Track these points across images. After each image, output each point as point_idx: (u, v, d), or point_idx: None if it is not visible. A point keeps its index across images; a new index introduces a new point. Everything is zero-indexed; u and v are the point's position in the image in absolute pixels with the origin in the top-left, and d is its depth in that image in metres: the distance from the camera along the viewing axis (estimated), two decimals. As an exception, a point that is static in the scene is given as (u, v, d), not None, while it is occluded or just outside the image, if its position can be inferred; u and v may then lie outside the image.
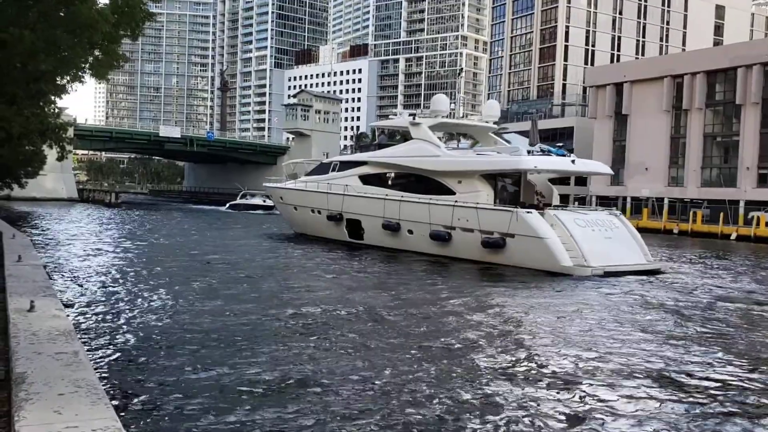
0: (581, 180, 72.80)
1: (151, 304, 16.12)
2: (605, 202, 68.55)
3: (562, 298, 19.86)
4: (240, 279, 21.17)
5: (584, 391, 10.09)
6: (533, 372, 11.19)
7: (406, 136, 34.52)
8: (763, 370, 11.82)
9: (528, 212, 26.67)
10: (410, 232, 31.38)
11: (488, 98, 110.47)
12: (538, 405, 9.36)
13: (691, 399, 9.98)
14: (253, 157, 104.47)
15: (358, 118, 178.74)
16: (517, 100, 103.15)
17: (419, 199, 30.90)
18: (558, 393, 9.97)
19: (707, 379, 11.07)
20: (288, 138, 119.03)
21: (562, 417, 8.91)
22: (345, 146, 49.43)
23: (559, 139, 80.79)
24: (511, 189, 30.97)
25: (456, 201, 29.31)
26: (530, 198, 30.40)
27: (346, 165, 36.15)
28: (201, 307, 15.77)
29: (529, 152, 29.67)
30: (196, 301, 16.62)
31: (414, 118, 33.55)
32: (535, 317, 16.37)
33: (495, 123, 36.90)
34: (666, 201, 65.52)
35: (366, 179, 34.48)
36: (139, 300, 16.61)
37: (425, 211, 30.41)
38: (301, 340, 12.98)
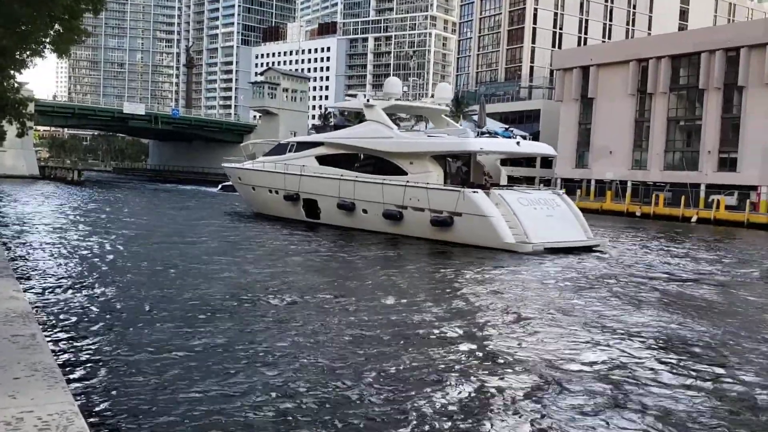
0: (547, 162, 73.42)
1: (113, 284, 15.95)
2: (570, 184, 69.38)
3: (501, 272, 21.29)
4: (195, 259, 21.11)
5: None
6: (467, 340, 11.79)
7: (360, 118, 35.11)
8: (629, 341, 12.58)
9: (474, 192, 27.86)
10: (364, 211, 32.35)
11: (457, 80, 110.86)
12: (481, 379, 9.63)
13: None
14: (219, 135, 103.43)
15: (327, 97, 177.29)
16: (485, 82, 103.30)
17: (373, 180, 31.85)
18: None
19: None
20: (255, 116, 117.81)
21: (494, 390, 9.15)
22: (313, 125, 49.47)
23: (526, 122, 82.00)
24: (462, 170, 32.08)
25: (407, 181, 30.31)
26: (479, 179, 31.31)
27: (302, 146, 36.79)
28: (157, 287, 15.78)
29: (479, 134, 30.95)
30: (153, 281, 16.62)
31: (368, 101, 34.36)
32: (470, 290, 17.44)
33: (447, 105, 38.04)
34: (629, 184, 66.17)
35: (322, 160, 35.14)
36: (101, 280, 16.40)
37: (378, 191, 31.39)
38: (250, 313, 13.37)
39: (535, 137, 71.16)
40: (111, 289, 15.39)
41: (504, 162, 63.04)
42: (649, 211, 57.21)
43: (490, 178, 31.27)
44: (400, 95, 35.65)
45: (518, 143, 30.74)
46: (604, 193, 65.75)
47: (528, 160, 70.51)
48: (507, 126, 36.01)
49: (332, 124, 39.19)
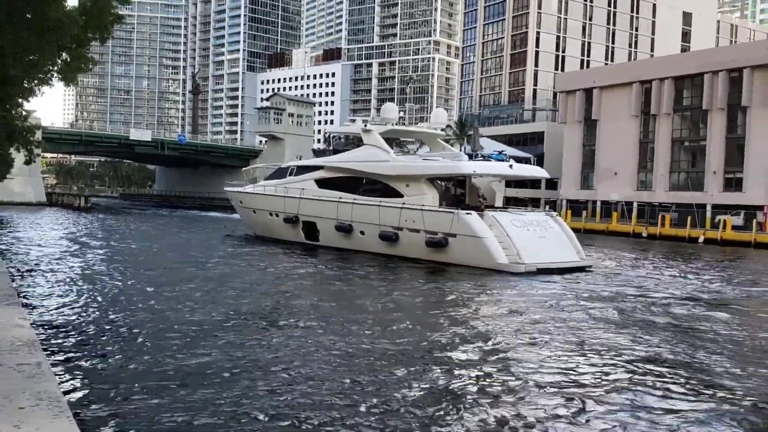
0: (553, 184, 73.64)
1: (121, 312, 15.82)
2: (575, 205, 69.59)
3: (493, 293, 21.96)
4: (199, 283, 21.28)
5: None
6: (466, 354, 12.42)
7: (358, 143, 36.09)
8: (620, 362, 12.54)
9: (468, 214, 28.54)
10: (362, 233, 33.07)
11: (460, 103, 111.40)
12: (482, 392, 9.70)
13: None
14: (226, 161, 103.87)
15: (332, 122, 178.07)
16: (488, 105, 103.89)
17: (370, 202, 32.67)
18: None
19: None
20: (261, 141, 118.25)
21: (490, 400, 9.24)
22: (312, 149, 50.54)
23: (530, 144, 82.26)
24: (457, 192, 33.28)
25: (403, 203, 31.17)
26: (474, 200, 32.08)
27: (302, 169, 37.74)
28: (163, 312, 15.84)
29: (471, 157, 31.91)
30: (159, 307, 16.66)
31: (366, 125, 35.25)
32: (464, 311, 17.96)
33: (442, 130, 39.49)
34: (635, 205, 66.20)
35: (321, 183, 36.11)
36: (110, 308, 16.28)
37: (375, 213, 32.13)
38: (249, 333, 13.82)
39: (540, 159, 71.44)
40: (118, 316, 15.28)
41: (509, 184, 64.24)
42: (656, 232, 57.00)
43: (485, 200, 32.08)
44: (396, 120, 36.75)
45: (511, 166, 31.53)
46: (610, 214, 65.65)
47: (533, 182, 70.68)
48: (501, 150, 36.74)
49: (331, 148, 40.16)
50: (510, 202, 65.47)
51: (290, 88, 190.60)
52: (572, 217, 65.12)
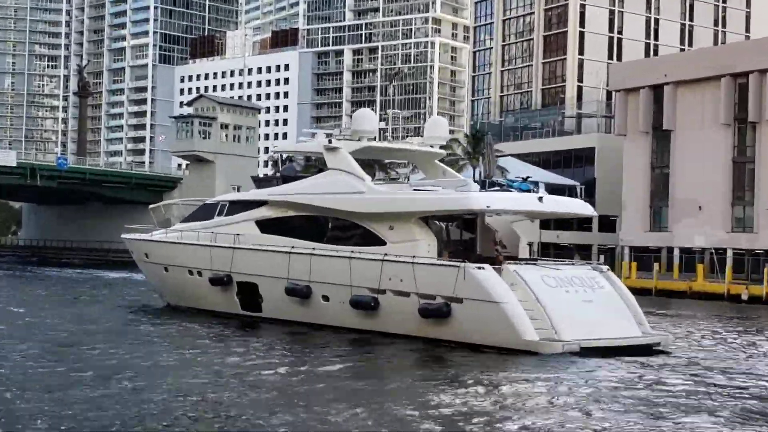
0: (608, 225, 74.01)
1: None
2: (643, 255, 69.68)
3: (519, 389, 21.42)
4: (79, 380, 21.55)
5: None
6: None
7: (320, 166, 36.71)
8: None
9: (479, 269, 28.41)
10: (325, 298, 33.21)
11: (473, 107, 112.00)
12: None
13: None
14: (128, 194, 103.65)
15: (285, 136, 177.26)
16: (513, 110, 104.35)
17: (337, 253, 32.70)
18: None
19: None
20: (180, 165, 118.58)
21: None
22: (253, 177, 50.52)
23: (575, 165, 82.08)
24: (463, 237, 33.80)
25: (386, 254, 31.17)
26: (488, 249, 32.36)
27: (238, 206, 38.03)
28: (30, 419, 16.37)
29: (484, 185, 32.45)
30: (22, 413, 17.20)
31: (330, 141, 35.37)
32: (479, 420, 17.78)
33: (443, 147, 40.07)
34: (730, 253, 66.22)
35: (265, 225, 36.35)
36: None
37: (345, 270, 32.04)
38: None
39: (589, 188, 71.88)
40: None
41: (545, 224, 63.71)
42: (761, 293, 56.96)
43: (504, 249, 32.07)
44: (375, 133, 36.84)
45: (540, 199, 31.61)
46: (693, 268, 65.48)
47: (580, 222, 71.23)
48: (526, 176, 36.73)
49: (280, 174, 40.28)
50: (546, 251, 64.59)
51: (223, 87, 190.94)
52: (638, 272, 64.61)
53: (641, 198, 74.20)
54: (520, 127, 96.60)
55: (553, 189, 58.80)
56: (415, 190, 33.48)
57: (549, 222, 60.95)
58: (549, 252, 64.50)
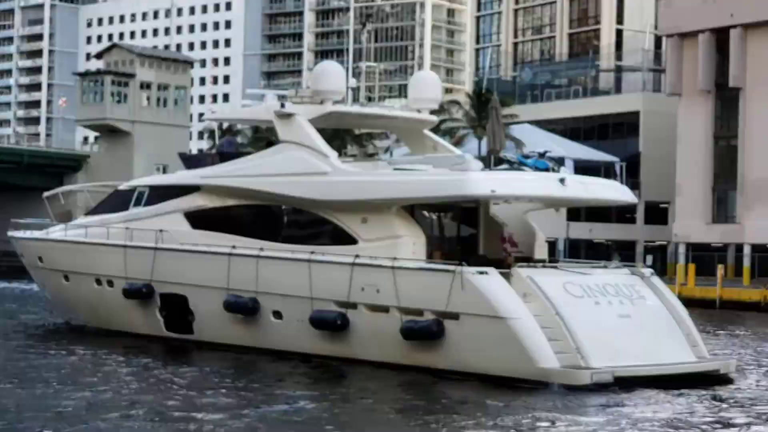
0: (658, 215, 73.07)
1: None
2: (703, 254, 70.10)
3: None
4: None
5: None
6: None
7: (271, 139, 37.42)
8: None
9: (481, 273, 28.07)
10: (277, 315, 33.20)
11: (478, 57, 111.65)
12: None
13: None
14: (17, 178, 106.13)
15: (226, 97, 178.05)
16: (531, 62, 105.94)
17: (292, 255, 32.63)
18: None
19: None
20: (87, 139, 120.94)
21: None
22: (180, 154, 50.52)
23: (614, 136, 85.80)
24: (461, 232, 34.23)
25: (357, 255, 31.00)
26: (494, 248, 33.03)
27: (161, 193, 38.34)
28: None
29: (488, 163, 33.07)
30: None
31: (283, 105, 34.86)
32: None
33: (434, 111, 40.00)
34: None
35: (197, 219, 36.66)
36: None
37: (303, 276, 31.89)
38: None
39: (632, 166, 73.58)
40: None
41: (574, 215, 62.63)
42: None
43: (514, 248, 32.79)
44: (343, 94, 36.04)
45: (562, 181, 31.00)
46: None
47: (620, 212, 71.27)
48: (544, 151, 36.28)
49: (217, 151, 40.93)
50: (576, 251, 64.60)
51: (144, 33, 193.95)
52: (698, 277, 64.44)
53: (701, 179, 74.25)
54: (540, 84, 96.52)
55: (585, 168, 61.11)
56: (396, 169, 32.93)
57: (579, 212, 60.05)
58: (579, 251, 65.56)
